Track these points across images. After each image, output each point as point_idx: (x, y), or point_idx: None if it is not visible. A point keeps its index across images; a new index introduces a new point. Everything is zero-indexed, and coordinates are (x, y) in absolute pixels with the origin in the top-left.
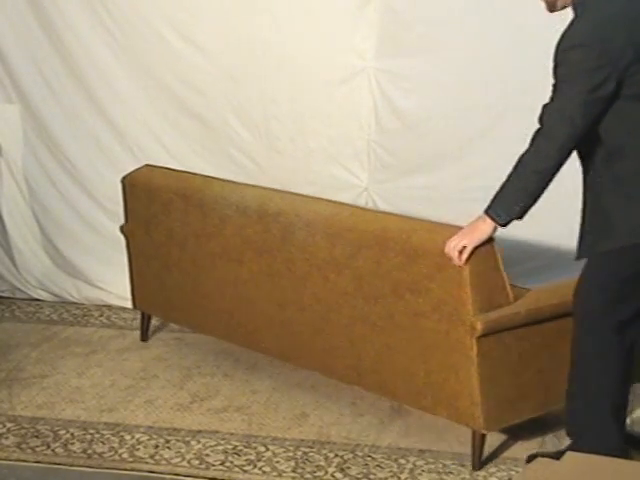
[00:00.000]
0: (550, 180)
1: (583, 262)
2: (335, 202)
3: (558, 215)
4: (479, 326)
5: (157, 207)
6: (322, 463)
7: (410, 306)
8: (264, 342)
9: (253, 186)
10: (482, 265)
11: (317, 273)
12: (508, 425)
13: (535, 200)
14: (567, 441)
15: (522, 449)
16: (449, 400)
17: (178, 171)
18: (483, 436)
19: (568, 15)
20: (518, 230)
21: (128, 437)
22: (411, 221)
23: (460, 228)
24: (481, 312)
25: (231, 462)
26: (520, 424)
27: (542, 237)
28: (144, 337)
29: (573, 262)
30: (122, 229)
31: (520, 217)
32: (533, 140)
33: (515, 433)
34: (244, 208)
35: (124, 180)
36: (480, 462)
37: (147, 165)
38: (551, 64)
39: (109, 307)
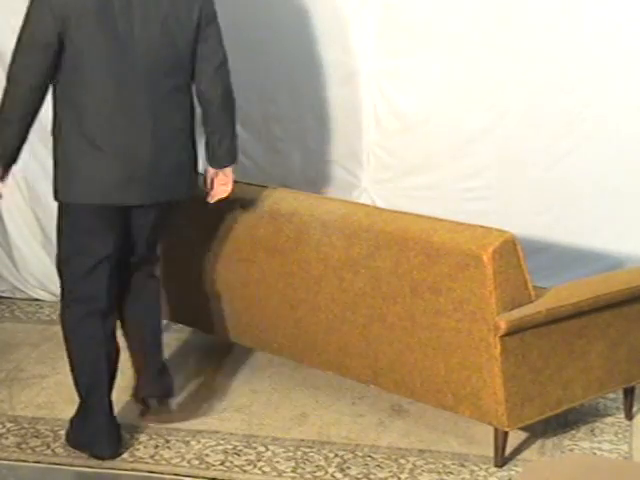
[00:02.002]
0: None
1: (590, 260)
2: (350, 202)
3: (561, 214)
4: (503, 325)
5: None
6: (322, 463)
7: (430, 305)
8: (275, 342)
9: (264, 186)
10: (505, 263)
11: (332, 273)
12: (530, 423)
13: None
14: (567, 440)
15: (522, 449)
16: (471, 399)
17: None
18: (506, 434)
19: (568, 18)
20: (520, 229)
21: (128, 437)
22: (431, 220)
23: (481, 227)
24: (504, 311)
25: (231, 462)
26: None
27: (543, 236)
28: None
29: (577, 260)
30: None
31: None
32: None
33: (515, 432)
34: (255, 208)
35: None
36: (503, 459)
37: None
38: (551, 64)
39: None
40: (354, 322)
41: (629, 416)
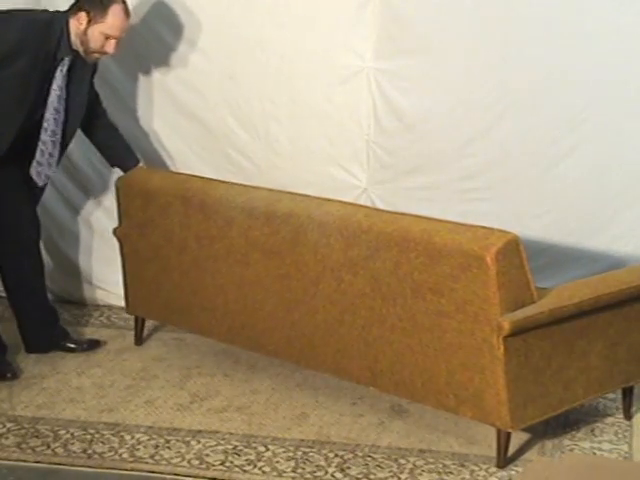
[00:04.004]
0: None
1: (590, 260)
2: (349, 203)
3: (561, 214)
4: (507, 326)
5: (154, 209)
6: (322, 463)
7: (432, 306)
8: (270, 344)
9: (260, 188)
10: (508, 264)
11: (330, 275)
12: (531, 423)
13: None
14: (567, 440)
15: (522, 449)
16: (473, 400)
17: (176, 173)
18: (508, 435)
19: (569, 18)
20: (520, 229)
21: (128, 437)
22: (432, 222)
23: (483, 228)
24: (507, 311)
25: (231, 462)
26: None
27: (543, 236)
28: (138, 341)
29: (577, 261)
30: (115, 232)
31: None
32: None
33: (515, 433)
34: (250, 210)
35: (118, 182)
36: (505, 460)
37: (141, 167)
38: (551, 64)
39: (109, 307)
40: (353, 324)
41: (628, 416)
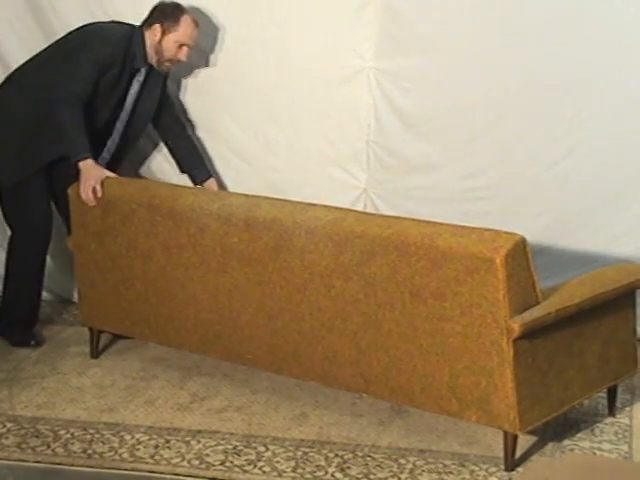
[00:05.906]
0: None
1: (589, 260)
2: (335, 207)
3: (561, 214)
4: (517, 328)
5: (115, 218)
6: (322, 463)
7: (434, 311)
8: (249, 353)
9: (234, 194)
10: (517, 266)
11: (319, 281)
12: (537, 425)
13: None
14: (567, 440)
15: (522, 449)
16: (479, 403)
17: (136, 180)
18: (515, 437)
19: (569, 18)
20: (520, 229)
21: (128, 437)
22: (432, 225)
23: (487, 230)
24: (515, 314)
25: (231, 462)
26: None
27: (543, 236)
28: (94, 354)
29: (576, 261)
30: (67, 242)
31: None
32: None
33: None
34: (227, 216)
35: (72, 191)
36: (513, 463)
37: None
38: (551, 64)
39: None
40: (344, 330)
41: (612, 413)
